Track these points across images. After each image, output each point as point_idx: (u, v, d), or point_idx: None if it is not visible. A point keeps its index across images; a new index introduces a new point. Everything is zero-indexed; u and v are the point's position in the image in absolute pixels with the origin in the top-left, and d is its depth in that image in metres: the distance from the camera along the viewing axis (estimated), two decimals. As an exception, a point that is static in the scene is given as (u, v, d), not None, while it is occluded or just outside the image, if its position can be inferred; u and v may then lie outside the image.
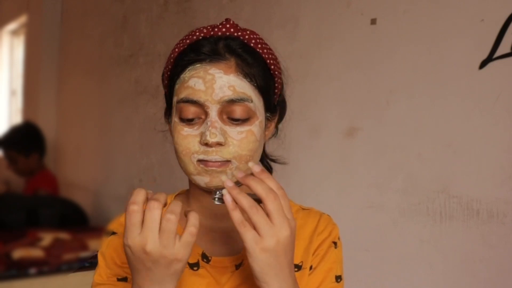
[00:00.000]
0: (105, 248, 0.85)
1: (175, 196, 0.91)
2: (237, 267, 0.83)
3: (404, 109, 1.29)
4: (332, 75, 1.49)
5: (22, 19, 4.38)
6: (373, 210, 1.35)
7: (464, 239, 1.15)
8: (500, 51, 1.09)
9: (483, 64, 1.12)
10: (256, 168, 0.69)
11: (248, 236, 0.65)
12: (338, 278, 0.84)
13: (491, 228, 1.10)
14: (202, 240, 0.83)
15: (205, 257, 0.82)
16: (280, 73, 0.85)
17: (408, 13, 1.28)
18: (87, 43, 3.30)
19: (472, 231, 1.13)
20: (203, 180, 0.76)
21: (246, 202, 0.66)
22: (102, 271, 0.83)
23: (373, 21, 1.37)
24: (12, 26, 4.74)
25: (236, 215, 0.66)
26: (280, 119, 0.88)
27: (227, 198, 0.67)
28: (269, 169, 0.92)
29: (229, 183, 0.68)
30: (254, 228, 0.65)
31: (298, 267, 0.83)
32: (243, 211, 0.66)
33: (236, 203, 0.67)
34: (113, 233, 0.86)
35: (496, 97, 1.09)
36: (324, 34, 1.52)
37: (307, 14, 1.57)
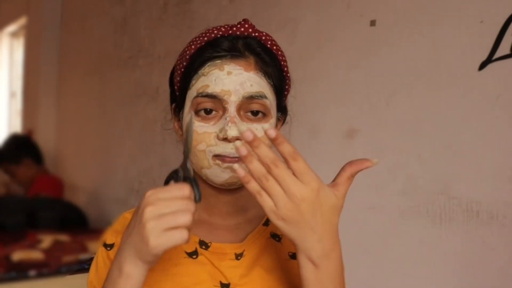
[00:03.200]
0: (101, 259, 0.84)
1: None
2: (238, 257, 0.82)
3: (404, 111, 1.29)
4: (332, 76, 1.49)
5: (22, 21, 4.38)
6: (372, 211, 1.35)
7: (464, 240, 1.15)
8: (499, 53, 1.09)
9: (482, 66, 1.12)
10: (272, 133, 0.62)
11: (280, 189, 0.62)
12: None
13: (491, 229, 1.10)
14: (202, 232, 0.83)
15: (203, 244, 0.82)
16: (290, 75, 0.87)
17: (408, 14, 1.28)
18: (87, 45, 3.30)
19: (472, 232, 1.13)
20: (216, 175, 0.76)
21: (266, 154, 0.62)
22: (94, 278, 0.82)
23: (373, 23, 1.37)
24: (12, 28, 4.74)
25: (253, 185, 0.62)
26: (283, 122, 0.89)
27: (240, 172, 0.62)
28: None
29: (243, 151, 0.62)
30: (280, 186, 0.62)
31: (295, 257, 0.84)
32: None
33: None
34: (105, 245, 0.85)
35: (496, 98, 1.09)
36: (324, 36, 1.52)
37: (306, 16, 1.57)
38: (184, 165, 0.68)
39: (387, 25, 1.34)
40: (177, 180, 0.68)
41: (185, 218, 0.62)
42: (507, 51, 1.08)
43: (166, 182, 0.69)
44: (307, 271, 0.66)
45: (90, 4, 3.29)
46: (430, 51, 1.23)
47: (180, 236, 0.62)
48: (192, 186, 0.64)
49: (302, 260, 0.66)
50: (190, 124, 0.71)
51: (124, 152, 2.75)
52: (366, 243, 1.36)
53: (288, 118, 0.90)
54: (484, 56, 1.11)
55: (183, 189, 0.63)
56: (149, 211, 0.62)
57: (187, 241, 0.63)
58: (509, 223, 1.07)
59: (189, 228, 0.63)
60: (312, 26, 1.56)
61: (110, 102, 2.94)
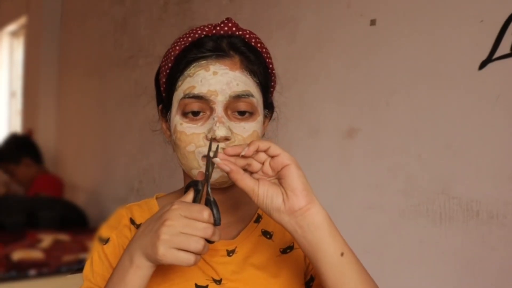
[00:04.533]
0: (96, 254, 0.85)
1: (169, 194, 0.91)
2: (230, 253, 0.83)
3: (404, 110, 1.29)
4: (332, 76, 1.49)
5: (22, 21, 4.38)
6: (372, 211, 1.35)
7: (464, 240, 1.15)
8: (499, 52, 1.09)
9: (482, 65, 1.12)
10: (249, 150, 0.71)
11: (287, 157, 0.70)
12: None
13: (491, 229, 1.10)
14: None
15: None
16: (275, 72, 0.87)
17: (408, 14, 1.28)
18: (87, 45, 3.30)
19: (472, 232, 1.13)
20: None
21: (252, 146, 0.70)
22: (97, 276, 0.83)
23: (373, 22, 1.37)
24: (12, 27, 4.74)
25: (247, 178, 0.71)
26: (270, 118, 0.90)
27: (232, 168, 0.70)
28: None
29: (220, 159, 0.71)
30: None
31: (290, 248, 0.86)
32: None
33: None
34: (101, 239, 0.86)
35: (496, 98, 1.09)
36: (324, 35, 1.52)
37: (306, 15, 1.57)
38: (204, 186, 0.72)
39: (387, 24, 1.34)
40: (198, 193, 0.71)
41: (197, 245, 0.65)
42: (507, 51, 1.07)
43: (187, 188, 0.73)
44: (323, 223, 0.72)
45: (90, 4, 3.29)
46: (430, 50, 1.23)
47: (186, 258, 0.66)
48: (212, 209, 0.68)
49: (315, 211, 0.71)
50: (214, 154, 0.73)
51: (124, 151, 2.75)
52: (366, 243, 1.36)
53: (275, 114, 0.91)
54: (484, 56, 1.11)
55: (203, 213, 0.67)
56: (168, 225, 0.66)
57: (194, 264, 0.66)
58: (509, 222, 1.07)
59: (202, 252, 0.66)
60: (312, 26, 1.56)
61: (110, 102, 2.94)
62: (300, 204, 0.69)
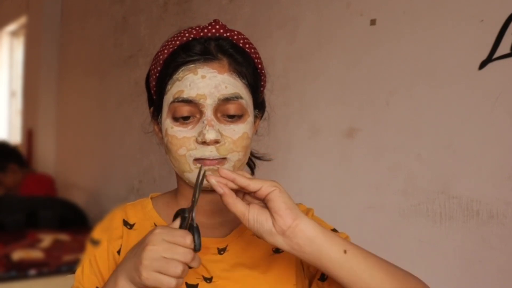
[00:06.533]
0: (86, 256, 0.86)
1: (164, 194, 0.92)
2: (221, 252, 0.83)
3: (404, 110, 1.29)
4: (332, 75, 1.49)
5: (22, 20, 4.38)
6: (372, 210, 1.35)
7: (464, 239, 1.15)
8: (499, 52, 1.09)
9: (482, 65, 1.12)
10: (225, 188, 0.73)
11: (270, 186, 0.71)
12: (334, 231, 0.88)
13: (491, 228, 1.10)
14: None
15: None
16: (264, 71, 0.87)
17: (408, 13, 1.28)
18: (87, 44, 3.30)
19: (472, 231, 1.13)
20: None
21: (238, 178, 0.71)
22: (86, 278, 0.84)
23: (373, 22, 1.37)
24: (12, 27, 4.75)
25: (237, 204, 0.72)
26: (260, 118, 0.90)
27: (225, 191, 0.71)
28: (252, 167, 0.93)
29: (214, 180, 0.72)
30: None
31: (279, 251, 0.86)
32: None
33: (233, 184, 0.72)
34: (92, 241, 0.87)
35: (496, 97, 1.09)
36: (324, 35, 1.52)
37: (306, 15, 1.57)
38: (190, 213, 0.72)
39: (387, 24, 1.34)
40: (184, 220, 0.72)
41: (176, 270, 0.67)
42: (507, 50, 1.07)
43: (175, 216, 0.74)
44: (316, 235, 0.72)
45: (90, 4, 3.29)
46: (430, 50, 1.23)
47: (167, 281, 0.67)
48: (193, 235, 0.70)
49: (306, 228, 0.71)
50: (202, 177, 0.74)
51: (124, 151, 2.75)
52: (366, 242, 1.35)
53: (266, 114, 0.91)
54: (484, 55, 1.11)
55: (186, 238, 0.68)
56: (149, 250, 0.68)
57: (176, 287, 0.68)
58: (509, 222, 1.07)
59: (181, 276, 0.68)
60: (312, 25, 1.56)
61: (110, 101, 2.94)
62: (287, 223, 0.70)
